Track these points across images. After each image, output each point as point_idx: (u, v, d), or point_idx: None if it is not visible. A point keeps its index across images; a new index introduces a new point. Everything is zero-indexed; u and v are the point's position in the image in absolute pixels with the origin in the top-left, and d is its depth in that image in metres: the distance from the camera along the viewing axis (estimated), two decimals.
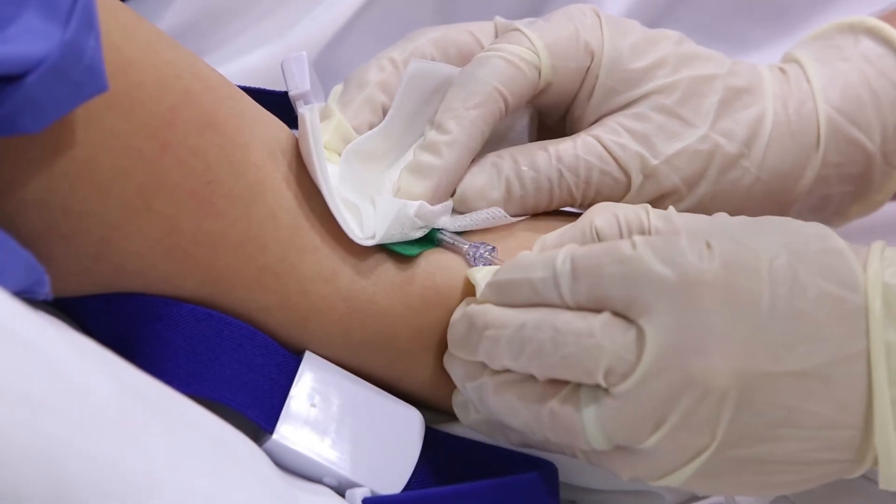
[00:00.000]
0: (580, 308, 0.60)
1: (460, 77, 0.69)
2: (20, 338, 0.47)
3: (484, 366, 0.63)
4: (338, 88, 0.71)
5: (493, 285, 0.63)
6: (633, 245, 0.59)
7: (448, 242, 0.67)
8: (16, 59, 0.52)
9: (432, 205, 0.67)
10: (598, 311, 0.60)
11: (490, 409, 0.64)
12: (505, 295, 0.62)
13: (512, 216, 0.69)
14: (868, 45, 0.73)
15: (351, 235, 0.65)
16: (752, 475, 0.60)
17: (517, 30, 0.70)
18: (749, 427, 0.58)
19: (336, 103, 0.70)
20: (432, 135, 0.68)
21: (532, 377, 0.61)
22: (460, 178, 0.68)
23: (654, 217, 0.63)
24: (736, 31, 0.93)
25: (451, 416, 0.69)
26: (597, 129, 0.70)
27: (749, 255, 0.59)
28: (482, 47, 0.72)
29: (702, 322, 0.58)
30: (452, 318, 0.65)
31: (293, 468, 0.64)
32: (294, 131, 0.67)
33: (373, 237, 0.66)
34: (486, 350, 0.62)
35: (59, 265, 0.60)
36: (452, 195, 0.69)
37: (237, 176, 0.63)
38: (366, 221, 0.66)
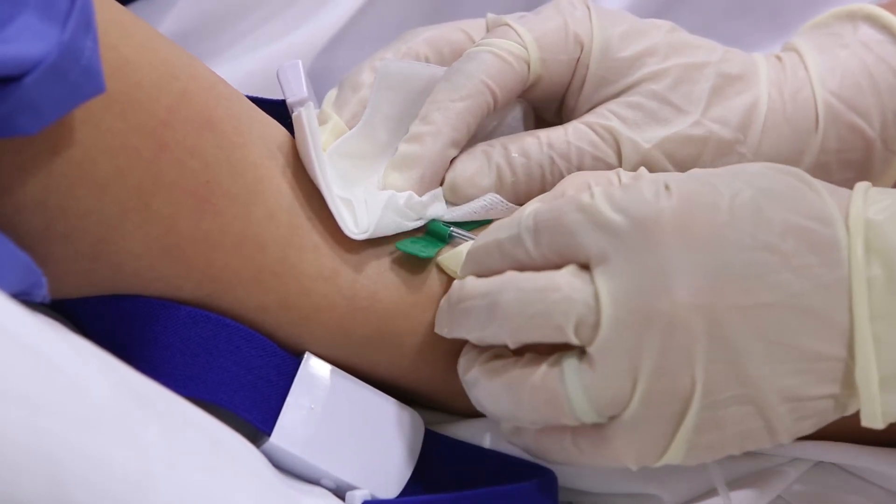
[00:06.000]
0: (546, 264, 0.61)
1: (448, 72, 0.69)
2: (18, 338, 0.47)
3: (476, 356, 0.63)
4: (332, 93, 0.71)
5: (469, 255, 0.64)
6: (592, 195, 0.60)
7: (458, 239, 0.67)
8: (14, 60, 0.53)
9: (420, 195, 0.67)
10: (562, 265, 0.60)
11: (484, 407, 0.63)
12: (480, 264, 0.63)
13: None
14: (867, 32, 0.73)
15: (345, 230, 0.65)
16: (751, 419, 0.59)
17: (506, 24, 0.70)
18: (729, 366, 0.58)
19: (331, 106, 0.70)
20: (416, 126, 0.68)
21: (515, 360, 0.62)
22: (445, 169, 0.68)
23: (625, 178, 0.64)
24: (733, 32, 0.93)
25: (452, 417, 0.69)
26: (588, 117, 0.70)
27: (709, 192, 0.59)
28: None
29: (662, 261, 0.58)
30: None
31: (291, 470, 0.64)
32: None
33: (367, 231, 0.65)
34: (461, 324, 0.62)
35: (58, 266, 0.60)
36: (442, 183, 0.69)
37: (235, 176, 0.63)
38: (360, 217, 0.66)
